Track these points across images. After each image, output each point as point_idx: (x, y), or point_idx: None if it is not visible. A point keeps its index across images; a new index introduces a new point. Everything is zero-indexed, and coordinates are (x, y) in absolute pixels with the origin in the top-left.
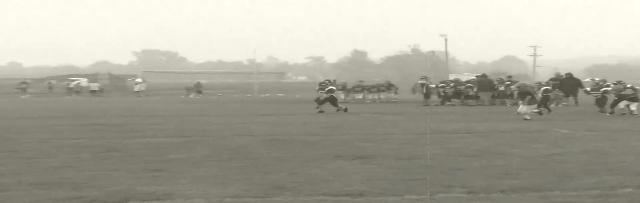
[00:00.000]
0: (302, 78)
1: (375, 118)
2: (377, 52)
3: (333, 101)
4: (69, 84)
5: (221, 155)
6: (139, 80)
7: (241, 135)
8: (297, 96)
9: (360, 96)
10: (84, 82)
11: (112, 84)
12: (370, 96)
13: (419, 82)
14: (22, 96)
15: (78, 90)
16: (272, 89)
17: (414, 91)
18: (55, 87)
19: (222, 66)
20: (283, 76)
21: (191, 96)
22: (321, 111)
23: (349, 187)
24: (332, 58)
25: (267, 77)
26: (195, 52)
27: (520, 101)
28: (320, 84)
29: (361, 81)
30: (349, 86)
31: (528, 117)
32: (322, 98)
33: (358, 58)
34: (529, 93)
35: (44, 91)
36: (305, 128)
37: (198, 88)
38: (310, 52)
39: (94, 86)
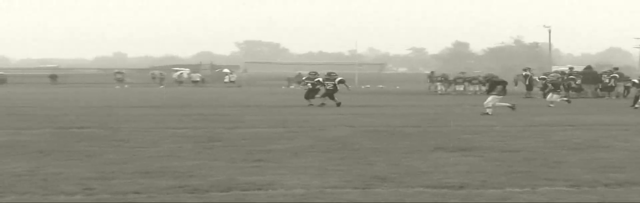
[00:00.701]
0: (403, 70)
1: (477, 110)
2: (478, 44)
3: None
4: (154, 74)
5: (321, 145)
6: (226, 70)
7: (341, 125)
8: (397, 87)
9: (461, 87)
10: (186, 72)
11: (214, 74)
12: (471, 88)
13: (522, 74)
14: (116, 86)
15: (181, 80)
16: (372, 81)
17: (516, 82)
18: (158, 77)
19: (323, 57)
20: (383, 67)
21: (292, 86)
22: (323, 104)
23: (449, 179)
24: (433, 49)
25: (368, 68)
26: (297, 43)
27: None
28: (309, 73)
29: (463, 73)
30: (451, 78)
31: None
32: (325, 89)
33: (459, 49)
34: (498, 83)
35: (147, 81)
36: (405, 119)
37: (299, 79)
38: (411, 43)
39: (196, 76)
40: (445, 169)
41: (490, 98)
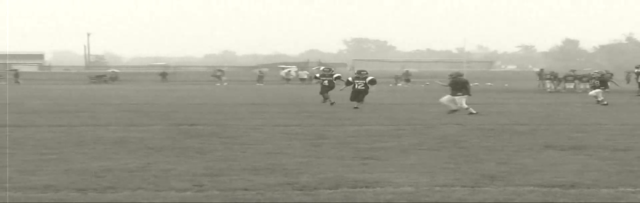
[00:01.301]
0: (512, 67)
1: (588, 108)
2: (589, 41)
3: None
4: (262, 72)
5: (430, 143)
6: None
7: (450, 123)
8: (506, 85)
9: (571, 85)
10: (293, 70)
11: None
12: (581, 86)
13: (635, 71)
14: (217, 84)
15: (288, 78)
16: (481, 78)
17: (628, 80)
18: (266, 75)
19: (431, 54)
20: (492, 65)
21: (399, 84)
22: (333, 103)
23: (560, 177)
24: (542, 47)
25: (476, 66)
26: (405, 41)
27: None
28: (323, 70)
29: (573, 71)
30: (561, 76)
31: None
32: (324, 86)
33: (569, 47)
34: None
35: (253, 78)
36: (514, 117)
37: (406, 77)
38: (520, 41)
39: (304, 74)
40: (555, 168)
41: (460, 99)
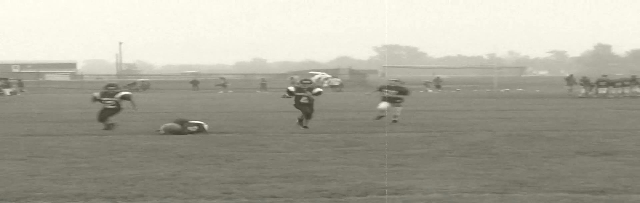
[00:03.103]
0: (543, 73)
1: (620, 114)
2: (622, 46)
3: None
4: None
5: (460, 149)
6: (322, 75)
7: (480, 129)
8: (537, 91)
9: (604, 90)
10: (323, 76)
11: (352, 79)
12: (613, 91)
13: None
14: (220, 92)
15: (319, 85)
16: (512, 84)
17: None
18: (296, 82)
19: (462, 60)
20: (523, 70)
21: (430, 91)
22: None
23: (590, 183)
24: (574, 52)
25: (507, 72)
26: (436, 47)
27: None
28: (302, 83)
29: (605, 76)
30: (593, 81)
31: None
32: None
33: (602, 52)
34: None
35: (286, 85)
36: (545, 123)
37: (437, 83)
38: (552, 46)
39: (335, 81)
40: (586, 174)
41: (397, 107)
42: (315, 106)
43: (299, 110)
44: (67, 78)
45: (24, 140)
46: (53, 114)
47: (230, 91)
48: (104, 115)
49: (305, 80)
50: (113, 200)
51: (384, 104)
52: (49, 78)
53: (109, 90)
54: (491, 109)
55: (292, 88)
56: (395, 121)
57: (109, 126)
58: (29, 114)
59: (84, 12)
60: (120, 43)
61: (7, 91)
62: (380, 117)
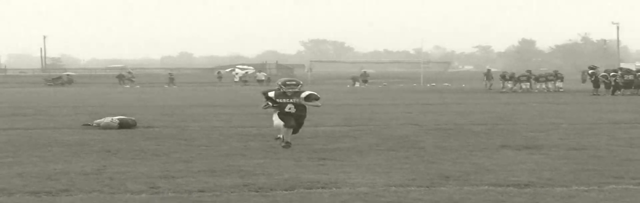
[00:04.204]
0: (469, 67)
1: (543, 108)
2: (545, 41)
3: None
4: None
5: (387, 143)
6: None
7: (407, 124)
8: (463, 85)
9: (527, 85)
10: (251, 71)
11: (279, 73)
12: (537, 86)
13: (589, 71)
14: (126, 86)
15: (246, 79)
16: (438, 79)
17: (583, 80)
18: (224, 76)
19: (388, 55)
20: (449, 65)
21: (357, 85)
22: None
23: (516, 177)
24: (499, 47)
25: (434, 66)
26: (362, 42)
27: None
28: (286, 84)
29: (528, 71)
30: (516, 75)
31: None
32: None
33: (526, 47)
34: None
35: (213, 80)
36: (471, 117)
37: (364, 77)
38: (477, 41)
39: (261, 75)
40: (511, 167)
41: None
42: (242, 101)
43: (283, 122)
44: None
45: None
46: None
47: (138, 86)
48: None
49: (290, 81)
50: (37, 195)
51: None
52: None
53: None
54: (417, 103)
55: (271, 94)
56: None
57: None
58: None
59: (7, 5)
60: (45, 37)
61: None
62: None
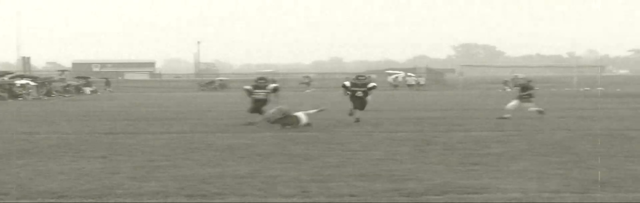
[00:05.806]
0: (624, 72)
1: None
2: None
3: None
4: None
5: (539, 149)
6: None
7: (559, 129)
8: (617, 89)
9: None
10: (401, 76)
11: (430, 78)
12: None
13: None
14: (307, 91)
15: (396, 84)
16: (591, 83)
17: None
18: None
19: (540, 59)
20: (603, 69)
21: (508, 89)
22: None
23: None
24: None
25: (587, 70)
26: (514, 46)
27: None
28: (257, 81)
29: None
30: None
31: None
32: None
33: None
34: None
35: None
36: (626, 122)
37: (515, 82)
38: (632, 44)
39: (412, 80)
40: None
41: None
42: (393, 105)
43: (352, 103)
44: (146, 77)
45: (103, 138)
46: (132, 112)
47: (311, 90)
48: (257, 106)
49: (361, 76)
50: (192, 198)
51: (513, 103)
52: (128, 76)
53: (260, 83)
54: (569, 108)
55: (347, 83)
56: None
57: (251, 123)
58: (108, 113)
59: (163, 12)
60: (199, 42)
61: (88, 90)
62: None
